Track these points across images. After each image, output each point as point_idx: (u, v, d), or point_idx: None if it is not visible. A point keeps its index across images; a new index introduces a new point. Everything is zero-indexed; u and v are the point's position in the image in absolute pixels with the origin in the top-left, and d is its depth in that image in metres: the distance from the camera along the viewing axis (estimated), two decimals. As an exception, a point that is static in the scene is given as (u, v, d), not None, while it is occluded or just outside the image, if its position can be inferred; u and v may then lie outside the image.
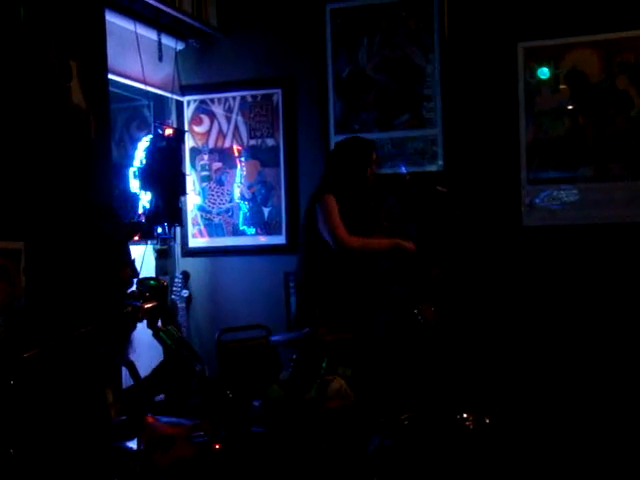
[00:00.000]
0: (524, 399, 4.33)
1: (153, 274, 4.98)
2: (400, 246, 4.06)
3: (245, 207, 5.21)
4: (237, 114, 5.21)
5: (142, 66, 4.72)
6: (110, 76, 4.11)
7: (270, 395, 3.36)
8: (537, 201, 4.67)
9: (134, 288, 2.36)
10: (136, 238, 4.63)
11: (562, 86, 4.63)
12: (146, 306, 2.23)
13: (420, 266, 4.16)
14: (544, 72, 4.65)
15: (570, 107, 4.61)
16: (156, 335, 2.31)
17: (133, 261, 2.45)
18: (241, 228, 5.22)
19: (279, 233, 5.14)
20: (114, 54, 4.20)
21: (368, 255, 4.08)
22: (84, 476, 1.97)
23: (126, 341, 2.52)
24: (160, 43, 4.97)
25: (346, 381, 3.32)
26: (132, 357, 2.52)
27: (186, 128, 5.27)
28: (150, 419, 2.08)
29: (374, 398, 3.50)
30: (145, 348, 4.47)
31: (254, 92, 5.18)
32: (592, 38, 4.54)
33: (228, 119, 5.24)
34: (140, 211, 4.70)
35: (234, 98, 5.22)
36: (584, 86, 4.57)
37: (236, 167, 5.24)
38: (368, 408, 3.32)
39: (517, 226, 4.68)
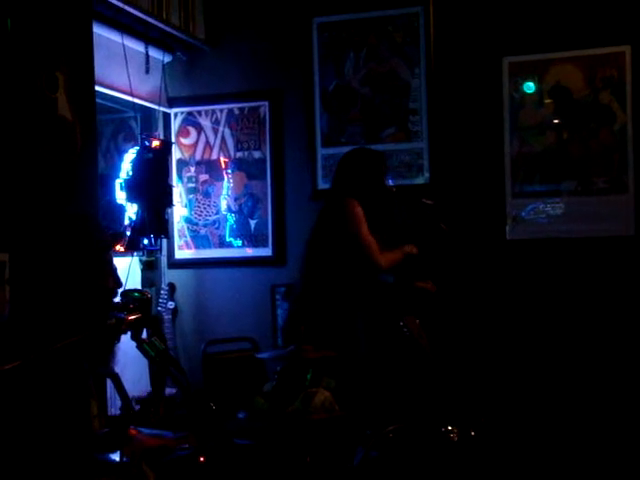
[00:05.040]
0: (510, 411, 4.34)
1: (139, 286, 4.98)
2: (410, 253, 4.08)
3: (232, 219, 5.22)
4: (224, 126, 5.23)
5: (129, 78, 4.73)
6: (97, 88, 4.11)
7: (255, 407, 3.35)
8: (522, 214, 4.70)
9: (118, 299, 2.36)
10: (120, 249, 4.62)
11: (546, 100, 4.67)
12: (130, 318, 2.23)
13: (410, 278, 4.17)
14: (529, 87, 4.69)
15: (554, 121, 4.65)
16: (140, 347, 2.30)
17: (115, 270, 2.45)
18: (227, 240, 5.23)
19: (265, 245, 5.15)
20: (101, 66, 4.20)
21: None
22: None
23: (109, 353, 2.51)
24: (147, 55, 4.98)
25: (331, 392, 3.32)
26: (117, 369, 2.51)
27: (173, 140, 5.27)
28: (133, 431, 2.07)
29: (359, 410, 3.50)
30: (130, 360, 4.46)
31: (241, 104, 5.19)
32: (576, 53, 4.58)
33: (215, 131, 5.25)
34: (126, 223, 4.70)
35: (221, 110, 5.23)
36: (568, 101, 4.61)
37: (223, 179, 5.24)
38: (353, 420, 3.32)
39: (501, 239, 4.70)
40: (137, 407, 3.79)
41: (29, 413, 2.11)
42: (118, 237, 3.78)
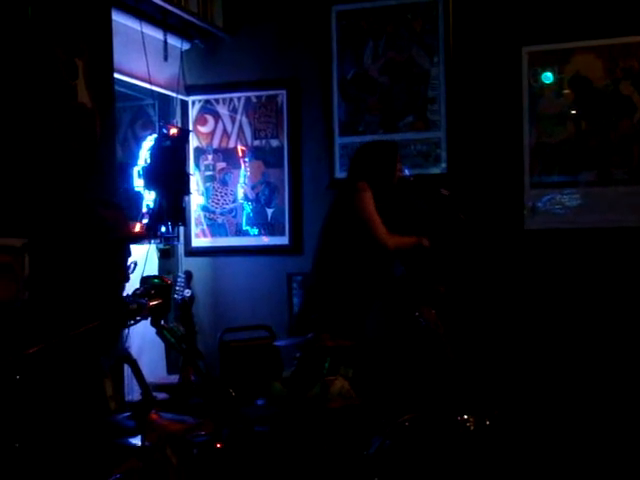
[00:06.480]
0: (525, 401, 4.34)
1: (156, 273, 4.99)
2: (421, 244, 4.09)
3: (248, 207, 5.22)
4: (242, 114, 5.23)
5: (148, 65, 4.74)
6: (116, 75, 4.12)
7: (273, 393, 3.37)
8: (539, 205, 4.68)
9: (138, 286, 2.38)
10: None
11: (566, 90, 4.64)
12: (151, 304, 2.25)
13: (426, 276, 4.18)
14: (548, 76, 4.66)
15: (573, 112, 4.62)
16: (160, 333, 2.32)
17: (127, 266, 2.47)
18: (244, 228, 5.24)
19: (282, 234, 5.15)
20: (120, 53, 4.21)
21: (399, 254, 4.10)
22: (87, 471, 1.98)
23: (121, 336, 2.54)
24: (166, 43, 4.99)
25: (348, 381, 3.33)
26: (134, 354, 2.53)
27: (191, 128, 5.28)
28: (154, 416, 2.09)
29: (375, 399, 3.50)
30: (148, 345, 4.48)
31: (259, 93, 5.19)
32: (596, 43, 4.55)
33: (233, 119, 5.25)
34: (144, 210, 4.72)
35: (239, 98, 5.23)
36: (588, 91, 4.58)
37: (240, 167, 5.25)
38: (370, 409, 3.33)
39: (519, 230, 4.69)
40: (160, 395, 3.81)
41: (49, 395, 2.13)
42: (140, 237, 3.80)
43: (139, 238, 4.12)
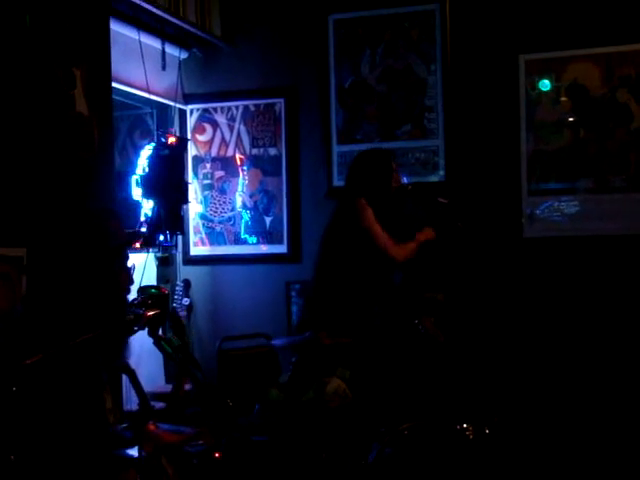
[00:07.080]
0: (524, 409, 4.33)
1: (154, 282, 4.99)
2: (425, 241, 4.10)
3: (247, 216, 5.23)
4: (240, 123, 5.23)
5: (146, 74, 4.74)
6: (114, 84, 4.12)
7: (270, 398, 3.36)
8: (538, 212, 4.69)
9: (136, 296, 2.37)
10: (137, 245, 4.64)
11: (563, 98, 4.65)
12: (148, 314, 2.25)
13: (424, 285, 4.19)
14: (545, 84, 4.67)
15: (571, 119, 4.63)
16: (157, 343, 2.32)
17: (129, 268, 2.47)
18: (242, 237, 5.24)
19: (280, 242, 5.15)
20: (118, 62, 4.21)
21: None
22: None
23: (123, 347, 2.53)
24: (164, 52, 5.00)
25: (345, 383, 3.33)
26: (132, 364, 2.53)
27: (189, 136, 5.29)
28: (152, 426, 2.08)
29: (374, 406, 3.50)
30: (146, 354, 4.48)
31: (257, 101, 5.20)
32: (593, 51, 4.56)
33: (231, 128, 5.26)
34: (142, 219, 4.71)
35: (237, 107, 5.24)
36: (585, 99, 4.59)
37: (238, 176, 5.25)
38: (367, 410, 3.33)
39: (518, 237, 4.69)
40: (158, 404, 3.80)
41: (47, 407, 2.13)
42: (136, 236, 3.79)
43: (136, 242, 4.11)
